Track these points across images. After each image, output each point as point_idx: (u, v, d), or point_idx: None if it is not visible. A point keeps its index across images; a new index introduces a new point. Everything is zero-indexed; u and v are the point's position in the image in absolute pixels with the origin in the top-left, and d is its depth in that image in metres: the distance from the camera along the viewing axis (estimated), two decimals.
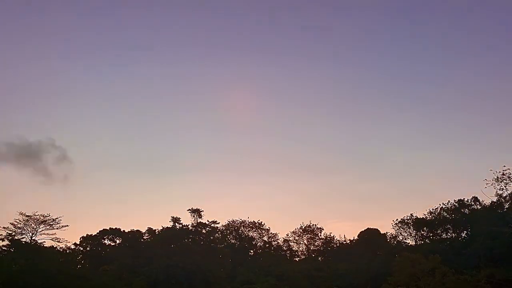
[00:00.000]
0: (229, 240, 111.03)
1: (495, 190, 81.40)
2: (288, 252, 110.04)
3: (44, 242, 79.78)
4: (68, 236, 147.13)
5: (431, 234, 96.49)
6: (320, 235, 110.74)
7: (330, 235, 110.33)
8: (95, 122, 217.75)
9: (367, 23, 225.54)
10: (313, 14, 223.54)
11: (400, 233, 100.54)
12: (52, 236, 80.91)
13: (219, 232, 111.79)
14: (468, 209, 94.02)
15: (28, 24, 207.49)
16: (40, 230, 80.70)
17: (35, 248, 74.65)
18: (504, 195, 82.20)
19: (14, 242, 74.40)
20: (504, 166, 78.44)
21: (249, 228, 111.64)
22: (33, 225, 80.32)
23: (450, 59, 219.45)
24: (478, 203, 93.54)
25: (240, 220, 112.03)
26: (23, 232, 79.18)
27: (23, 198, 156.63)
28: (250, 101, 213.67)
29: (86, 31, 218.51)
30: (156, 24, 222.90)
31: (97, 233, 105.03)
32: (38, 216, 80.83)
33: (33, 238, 79.30)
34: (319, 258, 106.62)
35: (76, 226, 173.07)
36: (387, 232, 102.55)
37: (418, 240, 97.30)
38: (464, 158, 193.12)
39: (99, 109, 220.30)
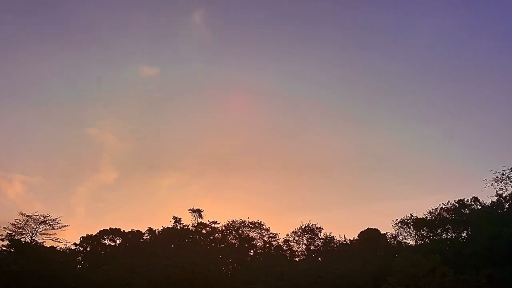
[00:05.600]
0: (229, 240, 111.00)
1: (495, 190, 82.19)
2: (288, 252, 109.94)
3: (44, 242, 79.98)
4: (68, 236, 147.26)
5: (431, 234, 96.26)
6: (320, 235, 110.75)
7: (330, 235, 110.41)
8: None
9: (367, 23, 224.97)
10: (313, 14, 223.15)
11: (400, 233, 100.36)
12: (52, 236, 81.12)
13: (219, 232, 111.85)
14: (468, 209, 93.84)
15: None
16: (40, 230, 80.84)
17: (35, 248, 74.81)
18: (504, 195, 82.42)
19: (14, 242, 74.51)
20: (504, 166, 79.05)
21: (249, 228, 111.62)
22: (33, 225, 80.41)
23: (449, 58, 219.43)
24: (478, 203, 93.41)
25: (240, 220, 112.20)
26: (23, 232, 79.25)
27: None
28: (250, 101, 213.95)
29: (89, 31, 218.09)
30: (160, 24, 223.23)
31: (97, 233, 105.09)
32: (38, 216, 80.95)
33: (33, 238, 79.40)
34: (319, 258, 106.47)
35: (76, 226, 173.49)
36: (387, 232, 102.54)
37: (418, 240, 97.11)
38: (464, 158, 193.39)
39: (99, 109, 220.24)
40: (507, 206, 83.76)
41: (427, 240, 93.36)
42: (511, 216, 77.56)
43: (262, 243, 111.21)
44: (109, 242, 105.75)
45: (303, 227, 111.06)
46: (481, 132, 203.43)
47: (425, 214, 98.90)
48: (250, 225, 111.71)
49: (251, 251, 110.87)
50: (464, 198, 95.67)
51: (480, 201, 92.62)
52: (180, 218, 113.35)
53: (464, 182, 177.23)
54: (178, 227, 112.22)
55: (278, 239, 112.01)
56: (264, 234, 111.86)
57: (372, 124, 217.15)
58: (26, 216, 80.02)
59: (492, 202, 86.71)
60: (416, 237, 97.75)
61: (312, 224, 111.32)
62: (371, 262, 78.14)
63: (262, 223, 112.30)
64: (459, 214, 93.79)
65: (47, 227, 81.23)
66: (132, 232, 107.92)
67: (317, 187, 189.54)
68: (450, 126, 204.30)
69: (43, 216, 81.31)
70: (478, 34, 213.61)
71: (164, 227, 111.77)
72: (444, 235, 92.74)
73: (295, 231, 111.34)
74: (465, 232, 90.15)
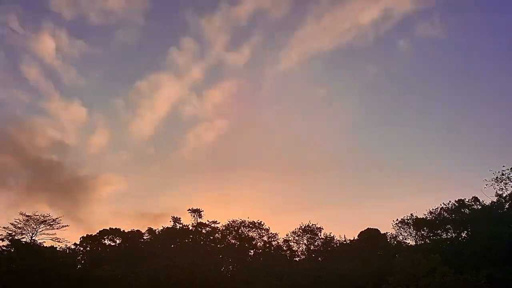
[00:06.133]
0: (229, 240, 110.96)
1: (495, 190, 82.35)
2: (288, 252, 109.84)
3: (44, 242, 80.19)
4: (68, 236, 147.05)
5: (431, 234, 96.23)
6: (320, 235, 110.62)
7: (330, 235, 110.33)
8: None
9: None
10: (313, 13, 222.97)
11: (400, 233, 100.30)
12: (52, 236, 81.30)
13: (219, 232, 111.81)
14: (468, 209, 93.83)
15: None
16: (40, 230, 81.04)
17: (35, 248, 74.89)
18: (504, 195, 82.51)
19: (14, 242, 74.62)
20: (504, 166, 79.22)
21: (249, 228, 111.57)
22: (33, 225, 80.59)
23: (449, 58, 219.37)
24: (478, 203, 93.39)
25: (240, 220, 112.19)
26: (23, 232, 79.44)
27: None
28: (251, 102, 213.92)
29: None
30: None
31: (97, 233, 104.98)
32: (38, 216, 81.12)
33: (33, 238, 79.55)
34: (319, 258, 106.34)
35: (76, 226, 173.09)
36: (387, 232, 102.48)
37: (418, 240, 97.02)
38: (464, 158, 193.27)
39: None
40: (507, 206, 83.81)
41: (427, 240, 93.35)
42: (511, 216, 77.62)
43: (262, 243, 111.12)
44: (109, 242, 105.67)
45: (303, 227, 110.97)
46: (481, 132, 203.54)
47: (425, 214, 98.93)
48: (250, 225, 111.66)
49: (251, 251, 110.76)
50: (464, 198, 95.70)
51: (480, 201, 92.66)
52: (179, 218, 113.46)
53: (464, 182, 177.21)
54: (178, 227, 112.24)
55: (278, 239, 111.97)
56: (264, 234, 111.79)
57: (372, 124, 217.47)
58: (26, 216, 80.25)
59: (492, 202, 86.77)
60: (416, 237, 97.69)
61: (312, 224, 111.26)
62: (371, 262, 78.11)
63: (262, 223, 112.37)
64: (459, 214, 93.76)
65: (47, 227, 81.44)
66: (132, 232, 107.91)
67: (317, 187, 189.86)
68: (450, 126, 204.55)
69: (43, 216, 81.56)
70: (478, 34, 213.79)
71: (164, 227, 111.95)
72: (444, 235, 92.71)
73: (295, 231, 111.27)
74: (465, 232, 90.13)
